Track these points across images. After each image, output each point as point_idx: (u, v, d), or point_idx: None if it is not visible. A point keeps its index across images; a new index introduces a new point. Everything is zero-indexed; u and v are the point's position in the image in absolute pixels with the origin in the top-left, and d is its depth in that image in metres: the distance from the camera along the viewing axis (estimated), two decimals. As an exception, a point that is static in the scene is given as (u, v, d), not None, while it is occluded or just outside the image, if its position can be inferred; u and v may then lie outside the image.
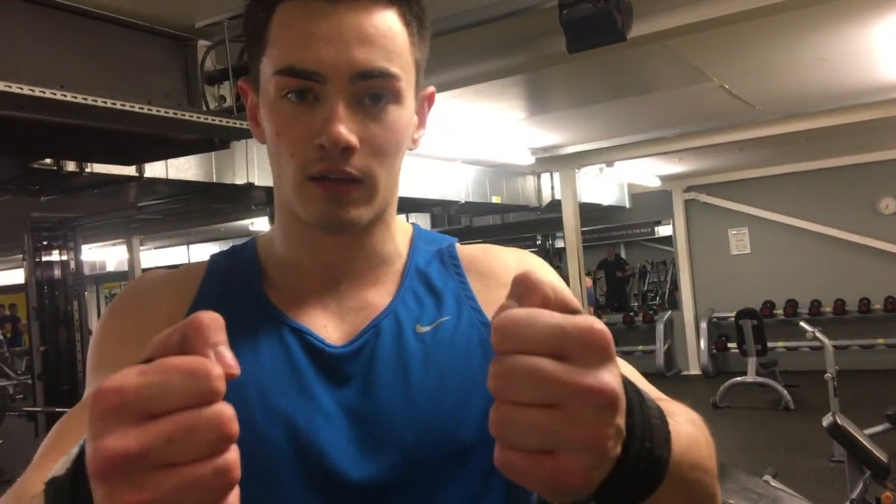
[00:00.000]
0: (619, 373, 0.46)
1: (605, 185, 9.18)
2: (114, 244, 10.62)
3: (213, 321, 0.44)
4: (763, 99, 5.56)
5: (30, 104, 2.45)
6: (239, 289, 0.81)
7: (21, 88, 2.41)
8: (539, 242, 12.51)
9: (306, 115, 0.71)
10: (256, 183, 4.60)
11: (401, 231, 0.86)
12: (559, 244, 11.21)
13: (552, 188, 7.71)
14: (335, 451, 0.71)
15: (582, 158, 7.13)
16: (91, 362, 0.79)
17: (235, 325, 0.71)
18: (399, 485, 0.71)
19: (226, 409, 0.42)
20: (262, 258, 0.84)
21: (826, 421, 3.55)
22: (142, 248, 10.63)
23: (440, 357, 0.75)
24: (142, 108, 2.76)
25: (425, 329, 0.77)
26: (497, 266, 0.84)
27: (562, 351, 0.44)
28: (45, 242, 7.06)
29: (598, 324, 0.45)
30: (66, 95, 2.52)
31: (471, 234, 12.35)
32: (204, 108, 3.13)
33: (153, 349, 0.43)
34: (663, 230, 10.83)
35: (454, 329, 0.77)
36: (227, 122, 3.06)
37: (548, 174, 7.67)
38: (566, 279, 7.34)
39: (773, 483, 3.57)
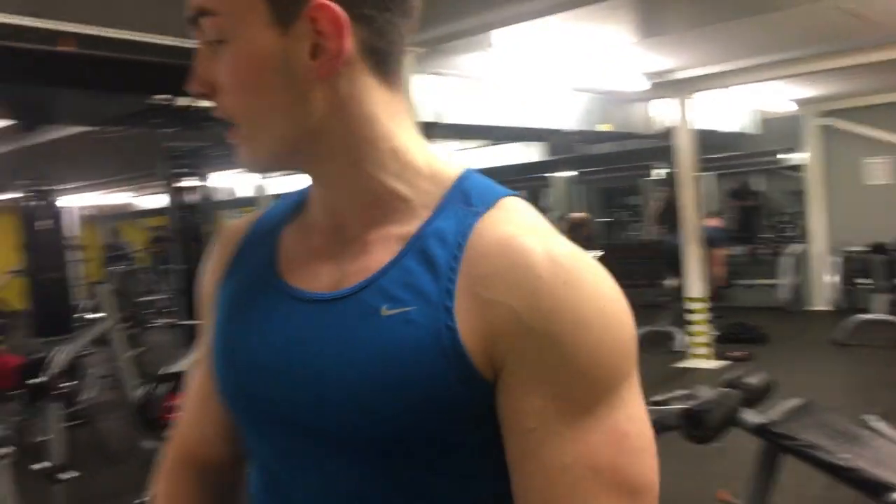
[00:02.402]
0: None
1: (728, 110, 8.75)
2: (240, 171, 11.23)
3: None
4: (898, 17, 5.11)
5: (140, 48, 2.70)
6: (271, 231, 0.83)
7: (133, 35, 2.66)
8: (662, 173, 12.11)
9: None
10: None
11: (427, 175, 0.75)
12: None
13: (666, 115, 7.46)
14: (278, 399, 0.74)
15: (698, 83, 6.83)
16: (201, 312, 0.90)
17: (247, 271, 0.83)
18: (306, 452, 0.72)
19: None
20: (309, 196, 0.83)
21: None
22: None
23: (390, 346, 0.67)
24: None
25: (390, 313, 0.68)
26: (497, 271, 0.67)
27: None
28: (179, 169, 7.63)
29: None
30: (174, 40, 2.75)
31: (585, 163, 12.18)
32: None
33: None
34: (794, 158, 10.24)
35: (413, 321, 0.67)
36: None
37: (661, 100, 7.41)
38: (675, 211, 7.15)
39: (874, 423, 3.47)
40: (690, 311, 7.14)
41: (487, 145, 10.74)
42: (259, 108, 0.70)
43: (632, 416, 0.66)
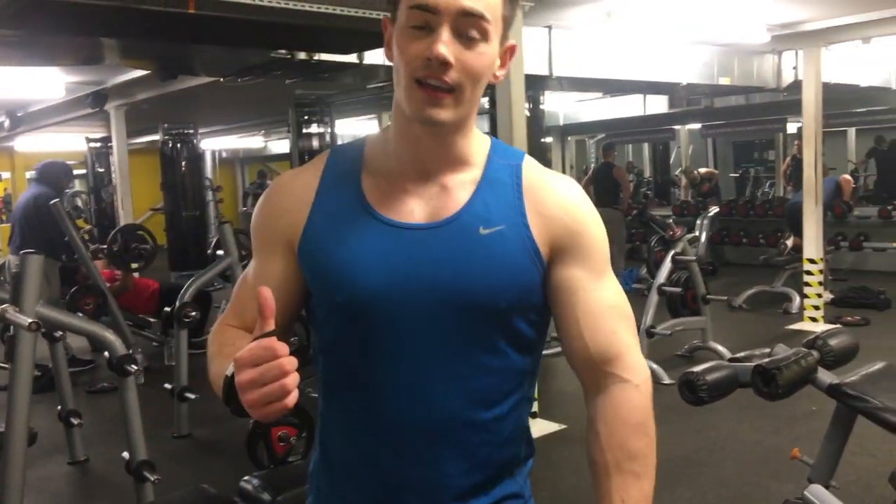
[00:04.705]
0: None
1: (866, 63, 8.19)
2: (369, 119, 11.54)
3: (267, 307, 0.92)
4: None
5: (269, 12, 2.97)
6: (346, 180, 1.12)
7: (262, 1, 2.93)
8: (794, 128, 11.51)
9: (423, 38, 1.01)
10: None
11: (479, 140, 1.13)
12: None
13: (795, 68, 7.11)
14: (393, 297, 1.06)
15: (831, 35, 6.48)
16: (253, 242, 1.18)
17: (339, 212, 1.11)
18: (433, 320, 1.06)
19: (284, 362, 0.89)
20: (367, 153, 1.14)
21: None
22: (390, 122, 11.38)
23: (495, 252, 1.06)
24: (356, 13, 3.18)
25: (487, 232, 1.07)
26: (549, 200, 1.10)
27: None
28: (305, 117, 8.02)
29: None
30: (295, 5, 3.01)
31: (711, 116, 11.74)
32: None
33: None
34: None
35: (507, 235, 1.07)
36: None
37: (791, 52, 7.07)
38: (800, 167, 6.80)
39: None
40: (808, 273, 6.94)
41: (605, 97, 10.57)
42: (475, 88, 1.05)
43: (615, 279, 1.16)
